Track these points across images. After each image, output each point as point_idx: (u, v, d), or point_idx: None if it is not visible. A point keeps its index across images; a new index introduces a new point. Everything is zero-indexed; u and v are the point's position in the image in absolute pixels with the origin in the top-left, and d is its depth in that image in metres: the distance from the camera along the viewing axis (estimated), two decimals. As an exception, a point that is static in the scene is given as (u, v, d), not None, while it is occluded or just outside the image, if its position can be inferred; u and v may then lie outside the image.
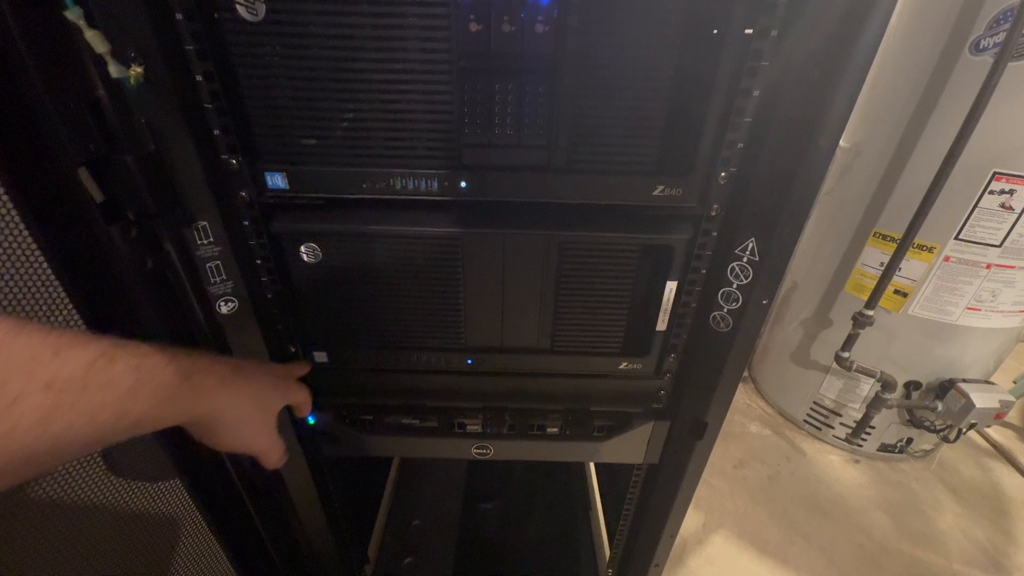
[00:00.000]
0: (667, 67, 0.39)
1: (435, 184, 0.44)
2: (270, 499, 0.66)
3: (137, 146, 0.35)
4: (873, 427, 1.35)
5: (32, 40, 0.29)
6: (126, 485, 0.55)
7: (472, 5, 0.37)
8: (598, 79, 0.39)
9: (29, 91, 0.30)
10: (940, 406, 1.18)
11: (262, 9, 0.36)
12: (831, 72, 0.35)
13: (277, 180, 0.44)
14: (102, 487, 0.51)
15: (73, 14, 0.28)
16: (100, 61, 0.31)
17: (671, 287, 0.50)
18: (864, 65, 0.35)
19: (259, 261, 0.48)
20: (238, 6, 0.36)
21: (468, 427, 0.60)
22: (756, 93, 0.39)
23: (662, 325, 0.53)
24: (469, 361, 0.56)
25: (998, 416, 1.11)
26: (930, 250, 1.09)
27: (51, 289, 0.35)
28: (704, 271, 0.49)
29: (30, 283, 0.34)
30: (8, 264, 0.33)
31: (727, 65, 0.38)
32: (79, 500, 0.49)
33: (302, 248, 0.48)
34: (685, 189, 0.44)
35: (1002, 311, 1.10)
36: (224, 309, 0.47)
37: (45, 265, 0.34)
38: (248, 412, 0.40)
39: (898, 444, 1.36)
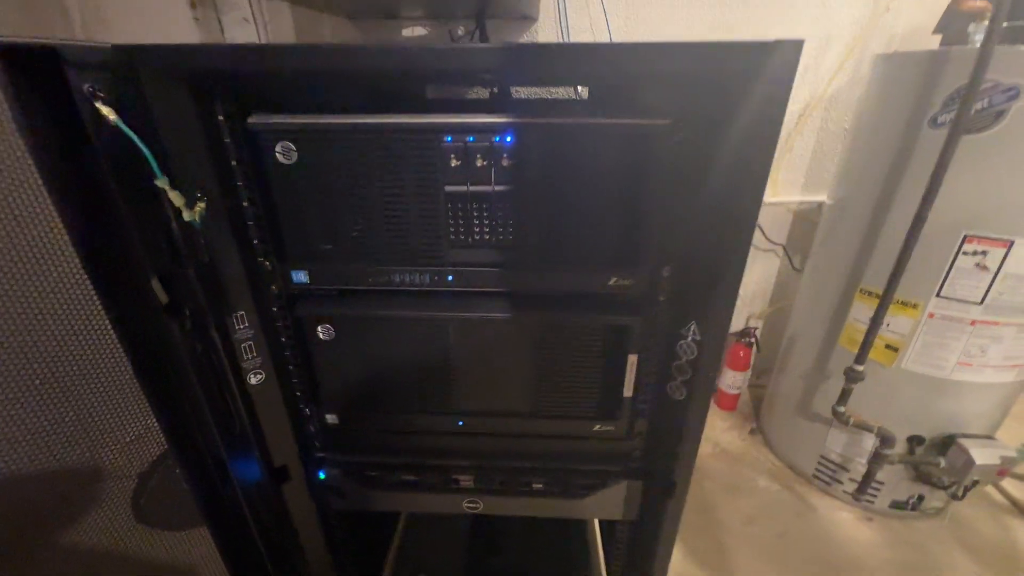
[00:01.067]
0: (608, 188, 0.49)
1: (427, 278, 0.54)
2: (283, 549, 0.72)
3: (196, 261, 0.46)
4: (882, 483, 1.33)
5: (128, 196, 0.41)
6: (152, 534, 0.63)
7: (453, 147, 0.47)
8: (554, 198, 0.49)
9: (124, 229, 0.42)
10: (943, 462, 1.18)
11: (295, 156, 0.48)
12: (734, 196, 0.44)
13: (301, 276, 0.54)
14: (129, 535, 0.59)
15: (161, 182, 0.39)
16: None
17: (632, 359, 0.57)
18: (756, 197, 0.43)
19: (283, 339, 0.58)
20: (277, 154, 0.48)
21: (461, 483, 0.67)
22: (684, 205, 0.48)
23: (628, 392, 0.60)
24: (460, 423, 0.64)
25: (1000, 473, 1.10)
26: (914, 306, 1.13)
27: (122, 368, 0.46)
28: (659, 347, 0.56)
29: (109, 366, 0.45)
30: (92, 350, 0.43)
31: (657, 187, 0.47)
32: (105, 546, 0.57)
33: (319, 328, 0.58)
34: (635, 280, 0.53)
35: (994, 366, 1.12)
36: (254, 380, 0.57)
37: (121, 352, 0.44)
38: None
39: (909, 501, 1.33)
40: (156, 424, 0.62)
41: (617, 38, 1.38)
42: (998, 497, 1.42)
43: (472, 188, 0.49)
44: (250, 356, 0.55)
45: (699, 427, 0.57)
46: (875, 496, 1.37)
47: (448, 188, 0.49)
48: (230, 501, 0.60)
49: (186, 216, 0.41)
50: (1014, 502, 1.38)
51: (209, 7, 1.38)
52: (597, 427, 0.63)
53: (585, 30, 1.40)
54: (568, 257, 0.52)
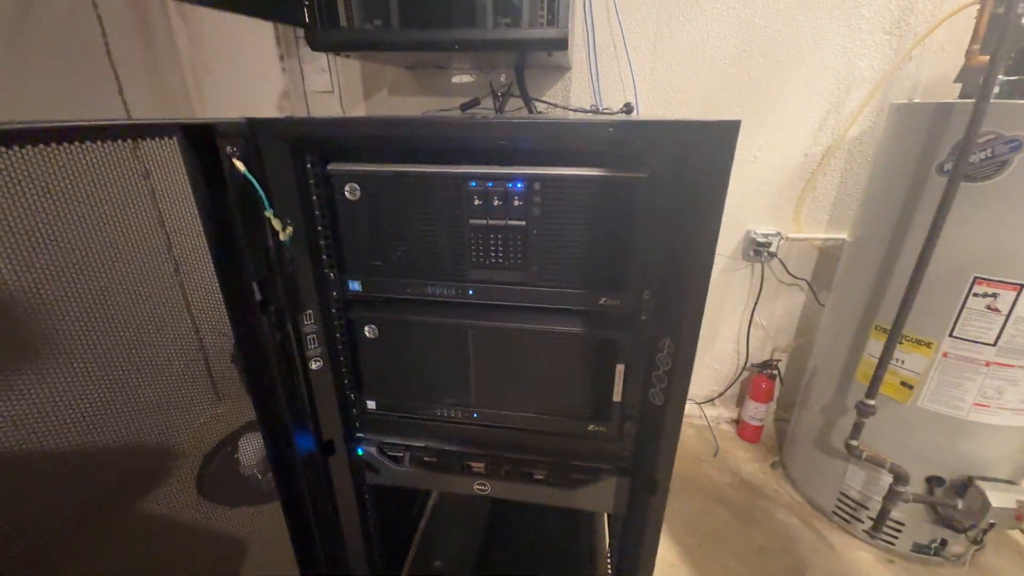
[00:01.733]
0: (597, 225, 0.61)
1: (453, 291, 0.67)
2: (327, 523, 0.85)
3: (284, 271, 0.62)
4: (903, 524, 1.32)
5: (244, 221, 0.57)
6: (212, 508, 0.78)
7: (476, 190, 0.61)
8: (554, 233, 0.62)
9: (239, 245, 0.58)
10: (960, 504, 1.16)
11: (359, 193, 0.64)
12: (696, 235, 0.55)
13: (355, 285, 0.69)
14: (193, 508, 0.74)
15: (269, 212, 0.55)
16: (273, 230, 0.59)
17: (620, 368, 0.68)
18: (713, 219, 0.54)
19: (338, 335, 0.73)
20: (346, 192, 0.64)
21: (473, 467, 0.78)
22: (658, 242, 0.59)
23: (617, 397, 0.70)
24: (475, 415, 0.76)
25: (1019, 518, 1.08)
26: (928, 345, 1.15)
27: (229, 342, 0.62)
28: (642, 358, 0.67)
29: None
30: (214, 327, 0.59)
31: (636, 226, 0.59)
32: (171, 516, 0.72)
33: (366, 328, 0.72)
34: (621, 301, 0.64)
35: (1012, 409, 1.11)
36: (314, 366, 0.72)
37: (231, 332, 0.60)
38: None
39: (932, 545, 1.30)
40: (219, 412, 0.77)
41: (641, 86, 1.52)
42: (1030, 548, 1.36)
43: (491, 222, 0.63)
44: (312, 346, 0.70)
45: (676, 430, 0.66)
46: (896, 537, 1.35)
47: (472, 221, 0.63)
48: (290, 463, 0.75)
49: (282, 237, 0.57)
50: (1049, 556, 1.32)
51: (294, 59, 1.65)
52: (591, 427, 0.73)
53: (614, 78, 1.54)
54: (566, 278, 0.64)
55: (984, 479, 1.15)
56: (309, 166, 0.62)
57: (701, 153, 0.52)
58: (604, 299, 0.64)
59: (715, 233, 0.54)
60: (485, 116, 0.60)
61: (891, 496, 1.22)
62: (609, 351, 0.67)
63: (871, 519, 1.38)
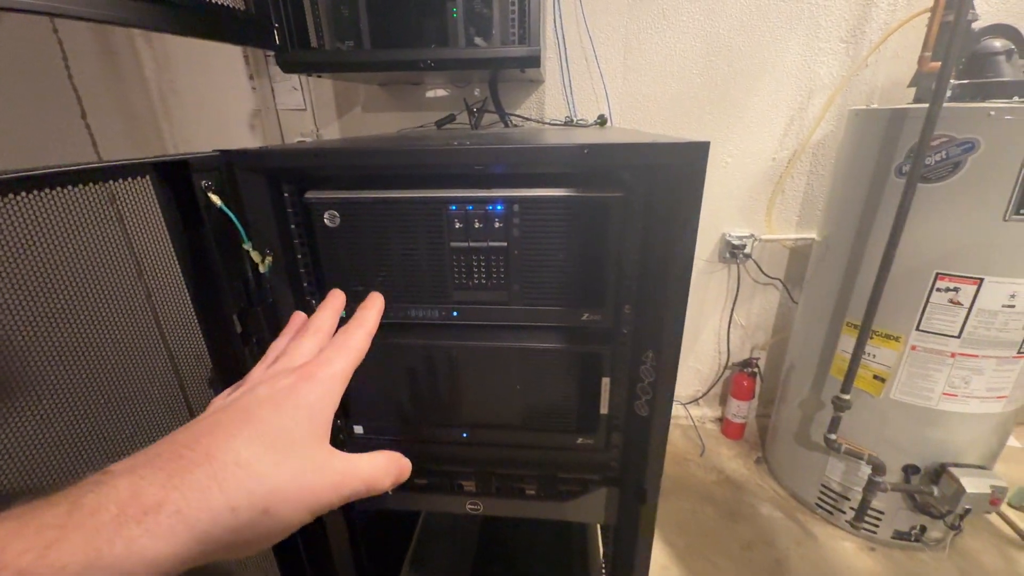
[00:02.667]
0: (575, 243, 0.62)
1: (437, 313, 0.67)
2: (317, 549, 0.84)
3: (264, 302, 0.61)
4: (883, 513, 1.36)
5: (224, 255, 0.57)
6: None
7: (456, 213, 0.62)
8: (533, 251, 0.63)
9: (218, 278, 0.57)
10: (936, 491, 1.21)
11: (338, 220, 0.63)
12: (672, 242, 0.57)
13: (338, 311, 0.69)
14: None
15: (247, 245, 0.54)
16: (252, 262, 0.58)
17: (606, 382, 0.69)
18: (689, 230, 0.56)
19: (323, 361, 0.72)
20: (325, 219, 0.63)
21: (464, 487, 0.78)
22: (635, 258, 0.61)
23: (604, 409, 0.71)
24: (464, 435, 0.76)
25: (993, 502, 1.13)
26: (896, 339, 1.20)
27: (205, 365, 0.60)
28: (626, 372, 0.68)
29: (199, 360, 0.60)
30: (191, 359, 0.58)
31: (613, 243, 0.60)
32: None
33: (351, 353, 0.72)
34: (602, 316, 0.65)
35: (979, 397, 1.17)
36: (298, 394, 0.71)
37: (210, 364, 0.59)
38: (261, 493, 0.23)
39: (912, 532, 1.35)
40: None
41: (614, 96, 1.55)
42: (1004, 527, 1.42)
43: (472, 244, 0.63)
44: (297, 374, 0.70)
45: (663, 439, 0.68)
46: (877, 526, 1.40)
47: (452, 244, 0.64)
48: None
49: (262, 268, 0.56)
50: (1020, 533, 1.38)
51: (264, 78, 1.63)
52: (580, 440, 0.74)
53: (587, 89, 1.57)
54: (548, 296, 0.65)
55: (957, 465, 1.21)
56: (287, 195, 0.62)
57: (674, 172, 0.53)
58: (586, 315, 0.65)
59: (691, 248, 0.55)
60: (461, 140, 0.61)
61: (870, 487, 1.27)
62: (594, 366, 0.68)
63: (853, 510, 1.42)
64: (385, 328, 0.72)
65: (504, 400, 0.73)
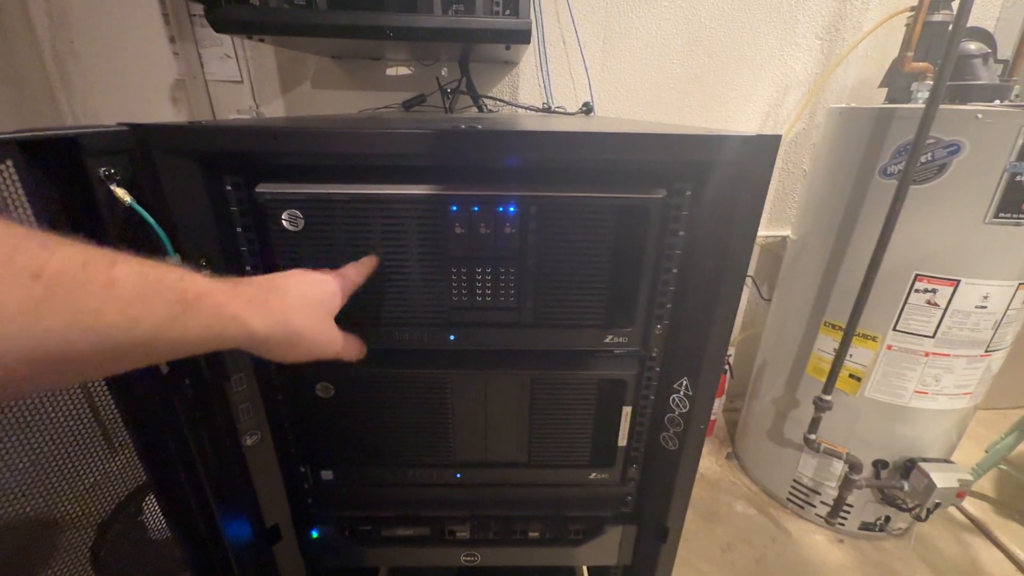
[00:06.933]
0: (605, 254, 0.51)
1: (429, 337, 0.54)
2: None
3: (200, 330, 0.46)
4: (851, 506, 1.39)
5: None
6: None
7: (458, 215, 0.49)
8: (553, 263, 0.52)
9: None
10: (906, 485, 1.25)
11: (301, 223, 0.49)
12: (723, 252, 0.48)
13: (301, 336, 0.54)
14: None
15: (173, 258, 0.39)
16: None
17: (627, 411, 0.59)
18: (746, 247, 0.47)
19: (280, 398, 0.57)
20: (283, 221, 0.48)
21: (458, 534, 0.67)
22: (674, 270, 0.51)
23: (623, 441, 0.62)
24: (458, 475, 0.64)
25: (960, 495, 1.17)
26: (873, 339, 1.21)
27: (78, 406, 0.44)
28: (652, 398, 0.59)
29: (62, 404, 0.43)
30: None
31: (650, 253, 0.50)
32: None
33: (318, 386, 0.57)
34: (630, 337, 0.55)
35: (948, 394, 1.20)
36: (249, 441, 0.56)
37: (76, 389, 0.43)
38: (299, 325, 0.38)
39: (877, 522, 1.40)
40: (114, 468, 0.58)
41: (593, 83, 1.45)
42: (959, 517, 1.51)
43: (475, 254, 0.51)
44: (246, 418, 0.54)
45: (691, 476, 0.60)
46: (846, 519, 1.43)
47: (452, 254, 0.51)
48: (221, 563, 0.58)
49: (195, 290, 0.41)
50: (972, 520, 1.47)
51: (189, 41, 1.38)
52: (593, 475, 0.64)
53: (564, 75, 1.46)
54: (567, 316, 0.54)
55: (924, 460, 1.24)
56: (229, 188, 0.46)
57: (733, 170, 0.44)
58: (611, 336, 0.55)
59: (746, 258, 0.47)
60: (471, 123, 0.48)
61: (846, 484, 1.28)
62: (615, 393, 0.59)
63: (824, 504, 1.45)
64: (366, 355, 0.58)
65: (508, 435, 0.62)
